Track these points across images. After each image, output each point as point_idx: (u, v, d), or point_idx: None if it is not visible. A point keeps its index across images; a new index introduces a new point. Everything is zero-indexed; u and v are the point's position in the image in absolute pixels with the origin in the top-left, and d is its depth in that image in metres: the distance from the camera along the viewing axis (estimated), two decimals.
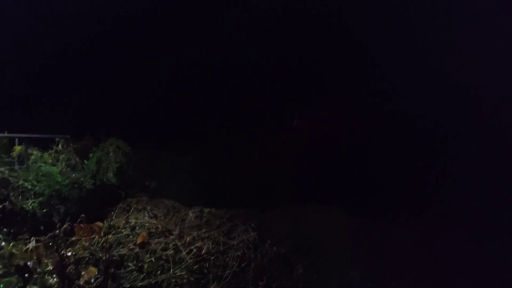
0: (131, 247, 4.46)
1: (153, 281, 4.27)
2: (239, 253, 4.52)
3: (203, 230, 4.97)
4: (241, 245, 4.66)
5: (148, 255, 4.35)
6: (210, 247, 4.54)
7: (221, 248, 4.57)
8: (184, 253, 4.42)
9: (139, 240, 4.49)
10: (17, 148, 8.50)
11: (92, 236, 4.26)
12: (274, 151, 11.88)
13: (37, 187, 6.46)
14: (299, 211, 5.97)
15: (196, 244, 4.59)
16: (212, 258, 4.43)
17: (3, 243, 3.69)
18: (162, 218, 5.48)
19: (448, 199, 7.41)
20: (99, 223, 4.20)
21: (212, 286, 4.36)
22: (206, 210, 5.86)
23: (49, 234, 3.85)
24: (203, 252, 4.46)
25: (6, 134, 9.10)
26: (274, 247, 4.68)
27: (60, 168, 7.81)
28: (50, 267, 3.63)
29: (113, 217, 5.53)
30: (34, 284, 3.53)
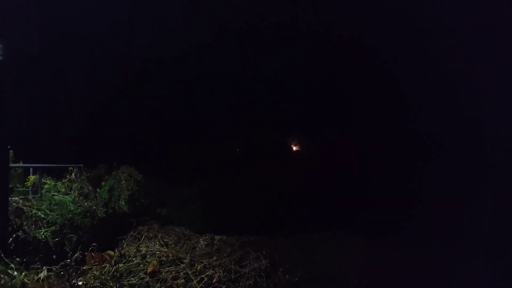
0: (141, 276, 4.42)
1: None
2: (251, 282, 4.43)
3: (214, 258, 4.91)
4: (252, 273, 4.57)
5: (158, 284, 4.30)
6: (221, 276, 4.47)
7: (232, 277, 4.49)
8: (195, 281, 4.36)
9: (149, 269, 4.45)
10: (31, 177, 8.65)
11: (103, 265, 4.24)
12: (286, 179, 11.86)
13: (50, 216, 6.52)
14: (311, 238, 5.88)
15: (207, 273, 4.52)
16: (224, 286, 4.35)
17: (15, 273, 3.70)
18: (173, 246, 5.44)
19: (466, 228, 7.18)
20: (110, 252, 4.19)
21: None
22: (217, 237, 5.81)
23: (60, 263, 3.84)
24: (214, 280, 4.38)
25: (21, 164, 9.30)
26: (287, 275, 4.58)
27: (73, 197, 7.89)
28: None
29: (124, 245, 5.51)
30: None
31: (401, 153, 11.91)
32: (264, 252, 4.94)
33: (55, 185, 8.96)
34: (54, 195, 7.95)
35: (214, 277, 4.43)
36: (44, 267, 3.74)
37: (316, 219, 7.42)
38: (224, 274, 4.50)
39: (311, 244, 5.66)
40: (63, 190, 8.68)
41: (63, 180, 9.29)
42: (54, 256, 4.23)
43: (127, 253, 5.06)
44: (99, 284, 3.96)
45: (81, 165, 9.76)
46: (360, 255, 5.52)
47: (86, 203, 7.74)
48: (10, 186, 5.37)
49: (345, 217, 7.55)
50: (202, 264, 4.69)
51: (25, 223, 5.99)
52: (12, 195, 6.85)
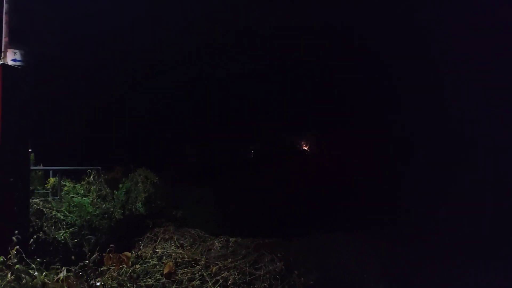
0: (158, 277, 4.47)
1: None
2: (266, 284, 4.43)
3: (229, 260, 4.93)
4: (267, 275, 4.57)
5: (174, 286, 4.35)
6: (236, 278, 4.48)
7: (247, 279, 4.50)
8: (210, 283, 4.39)
9: (165, 270, 4.50)
10: (51, 180, 8.87)
11: (120, 266, 4.31)
12: (299, 179, 11.81)
13: (69, 217, 6.66)
14: (326, 239, 5.83)
15: (222, 275, 4.54)
16: None
17: (36, 273, 3.80)
18: (188, 247, 5.48)
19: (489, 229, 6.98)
20: (127, 253, 4.26)
21: None
22: (232, 239, 5.83)
23: (79, 264, 3.93)
24: (229, 282, 4.41)
25: (41, 167, 9.54)
26: (302, 278, 4.56)
27: (92, 199, 8.05)
28: None
29: (141, 246, 5.58)
30: None
31: (418, 152, 11.71)
32: (279, 255, 4.94)
33: (74, 187, 9.17)
34: (73, 197, 8.12)
35: (229, 279, 4.45)
36: (63, 268, 3.83)
37: (331, 220, 7.35)
38: (239, 276, 4.51)
39: (325, 246, 5.62)
40: (82, 192, 8.87)
41: (82, 182, 9.50)
42: (73, 257, 4.33)
43: (143, 255, 5.13)
44: (116, 285, 4.03)
45: (99, 167, 9.96)
46: (376, 258, 5.45)
47: (104, 205, 7.89)
48: (31, 188, 5.51)
49: (361, 218, 7.46)
50: (217, 266, 4.71)
51: (45, 224, 6.14)
52: (32, 197, 7.03)
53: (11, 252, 3.83)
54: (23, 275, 3.65)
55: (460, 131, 11.25)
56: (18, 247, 3.90)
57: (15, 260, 3.75)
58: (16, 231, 4.14)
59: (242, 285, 4.40)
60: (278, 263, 4.75)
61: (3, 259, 3.90)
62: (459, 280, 5.11)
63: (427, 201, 8.61)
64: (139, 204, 8.81)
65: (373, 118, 14.81)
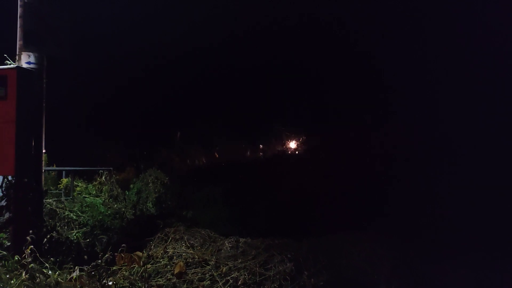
0: (169, 277, 4.51)
1: None
2: (275, 285, 4.43)
3: (239, 260, 4.95)
4: (277, 276, 4.57)
5: (185, 286, 4.38)
6: (247, 278, 4.49)
7: (257, 279, 4.51)
8: (220, 283, 4.41)
9: (176, 270, 4.54)
10: (64, 180, 9.02)
11: (132, 266, 4.36)
12: (308, 179, 11.76)
13: (82, 217, 6.76)
14: (336, 240, 5.80)
15: (233, 275, 4.56)
16: None
17: (49, 272, 3.87)
18: (199, 247, 5.52)
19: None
20: (139, 253, 4.31)
21: None
22: (242, 240, 5.84)
23: (91, 264, 3.98)
24: (239, 283, 4.42)
25: (54, 168, 9.69)
26: (312, 279, 4.55)
27: (103, 199, 8.16)
28: None
29: (152, 246, 5.63)
30: None
31: (431, 149, 11.53)
32: (288, 255, 4.93)
33: (86, 187, 9.32)
34: (86, 197, 8.25)
35: (239, 279, 4.46)
36: (76, 267, 3.90)
37: (341, 220, 7.30)
38: (249, 276, 4.52)
39: (336, 246, 5.60)
40: (94, 192, 9.01)
41: (94, 183, 9.65)
42: (86, 257, 4.39)
43: (154, 254, 5.18)
44: (128, 284, 4.08)
45: (110, 168, 10.10)
46: (387, 258, 5.41)
47: (115, 205, 8.00)
48: (44, 188, 5.60)
49: (372, 218, 7.38)
50: (227, 267, 4.73)
51: (58, 224, 6.24)
52: (46, 197, 7.15)
53: (25, 252, 3.91)
54: (38, 274, 3.72)
55: (474, 127, 11.07)
56: (32, 246, 3.97)
57: (29, 259, 3.83)
58: (31, 231, 4.22)
59: (252, 285, 4.41)
60: (288, 264, 4.74)
61: (18, 258, 3.98)
62: (473, 280, 5.03)
63: (441, 199, 8.46)
64: (149, 204, 8.91)
65: (381, 115, 14.67)
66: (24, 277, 3.62)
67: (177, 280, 4.43)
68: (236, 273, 4.57)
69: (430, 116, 12.67)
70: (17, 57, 4.96)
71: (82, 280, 3.76)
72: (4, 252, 4.31)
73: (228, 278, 4.49)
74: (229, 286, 4.38)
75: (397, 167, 11.49)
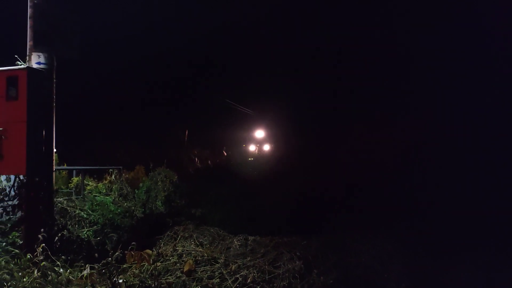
0: (178, 275, 4.53)
1: None
2: (285, 283, 4.42)
3: (248, 258, 4.95)
4: (286, 274, 4.56)
5: (194, 283, 4.39)
6: (256, 276, 4.49)
7: (266, 277, 4.50)
8: (229, 281, 4.42)
9: (186, 268, 4.56)
10: (74, 179, 9.12)
11: (141, 264, 4.39)
12: (316, 177, 11.70)
13: (92, 216, 6.82)
14: (345, 238, 5.76)
15: (242, 273, 4.56)
16: (258, 287, 4.37)
17: (61, 270, 3.91)
18: (208, 246, 5.53)
19: None
20: (148, 251, 4.34)
21: None
22: (251, 238, 5.84)
23: (102, 262, 4.02)
24: (248, 280, 4.42)
25: (65, 167, 9.80)
26: (321, 277, 4.53)
27: (113, 198, 8.23)
28: None
29: (161, 244, 5.66)
30: None
31: (446, 148, 11.35)
32: (298, 253, 4.92)
33: (97, 186, 9.41)
34: (96, 196, 8.33)
35: (249, 277, 4.47)
36: (87, 265, 3.94)
37: (351, 218, 7.24)
38: (259, 274, 4.52)
39: (345, 244, 5.55)
40: (104, 191, 9.09)
41: (104, 182, 9.74)
42: (96, 255, 4.44)
43: (164, 252, 5.20)
44: (138, 282, 4.10)
45: (120, 166, 10.17)
46: (398, 256, 5.36)
47: (125, 204, 8.06)
48: (55, 187, 5.67)
49: (382, 216, 7.31)
50: (236, 264, 4.74)
51: (69, 222, 6.31)
52: (57, 196, 7.24)
53: (37, 250, 3.96)
54: (49, 272, 3.77)
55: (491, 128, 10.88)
56: (44, 244, 4.02)
57: (41, 258, 3.88)
58: (42, 229, 4.28)
59: (261, 283, 4.41)
60: (297, 262, 4.73)
61: (30, 256, 4.04)
62: (485, 279, 4.96)
63: (453, 196, 8.32)
64: (159, 203, 8.96)
65: (402, 112, 14.43)
66: (36, 274, 3.67)
67: (187, 278, 4.44)
68: (245, 271, 4.58)
69: (446, 115, 12.50)
70: (27, 57, 5.02)
71: (93, 278, 3.80)
72: (17, 250, 4.38)
73: (237, 276, 4.50)
74: (238, 284, 4.38)
75: (407, 164, 11.37)
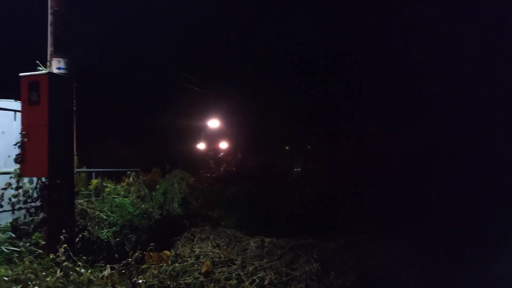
0: (196, 276, 4.56)
1: None
2: (302, 285, 4.41)
3: (265, 260, 4.95)
4: (304, 276, 4.55)
5: (212, 285, 4.42)
6: (273, 278, 4.49)
7: (283, 279, 4.50)
8: (247, 283, 4.43)
9: (203, 269, 4.59)
10: (94, 181, 9.29)
11: (160, 264, 4.45)
12: (332, 178, 11.62)
13: (111, 217, 6.94)
14: (362, 240, 5.70)
15: (259, 274, 4.57)
16: None
17: (82, 270, 4.00)
18: (225, 247, 5.56)
19: None
20: (167, 252, 4.39)
21: None
22: (267, 239, 5.84)
23: (122, 262, 4.09)
24: (265, 282, 4.42)
25: (84, 169, 10.01)
26: (339, 280, 4.50)
27: (131, 200, 8.35)
28: None
29: (179, 246, 5.72)
30: None
31: (462, 150, 11.13)
32: (315, 255, 4.90)
33: (115, 188, 9.56)
34: (115, 197, 8.47)
35: (266, 279, 4.47)
36: (107, 265, 4.01)
37: (368, 220, 7.18)
38: (276, 276, 4.52)
39: (363, 247, 5.50)
40: (122, 193, 9.23)
41: (122, 184, 9.89)
42: (116, 255, 4.51)
43: (182, 253, 5.25)
44: (157, 282, 4.15)
45: (137, 169, 10.32)
46: (416, 259, 5.28)
47: (143, 205, 8.17)
48: (75, 189, 5.79)
49: (400, 218, 7.22)
50: (253, 266, 4.75)
51: (89, 224, 6.44)
52: (77, 198, 7.39)
53: (59, 250, 4.05)
54: (71, 272, 3.85)
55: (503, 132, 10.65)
56: (65, 245, 4.12)
57: (63, 258, 3.97)
58: (64, 230, 4.37)
59: (278, 285, 4.41)
60: (314, 264, 4.71)
61: (53, 257, 4.13)
62: (505, 283, 4.84)
63: (473, 201, 8.16)
64: (175, 205, 9.05)
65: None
66: (58, 274, 3.75)
67: (204, 279, 4.48)
68: (262, 273, 4.58)
69: (460, 116, 12.28)
70: (48, 63, 5.15)
71: (113, 278, 3.87)
72: (40, 251, 4.49)
73: (255, 277, 4.51)
74: (255, 285, 4.39)
75: (425, 168, 11.18)
